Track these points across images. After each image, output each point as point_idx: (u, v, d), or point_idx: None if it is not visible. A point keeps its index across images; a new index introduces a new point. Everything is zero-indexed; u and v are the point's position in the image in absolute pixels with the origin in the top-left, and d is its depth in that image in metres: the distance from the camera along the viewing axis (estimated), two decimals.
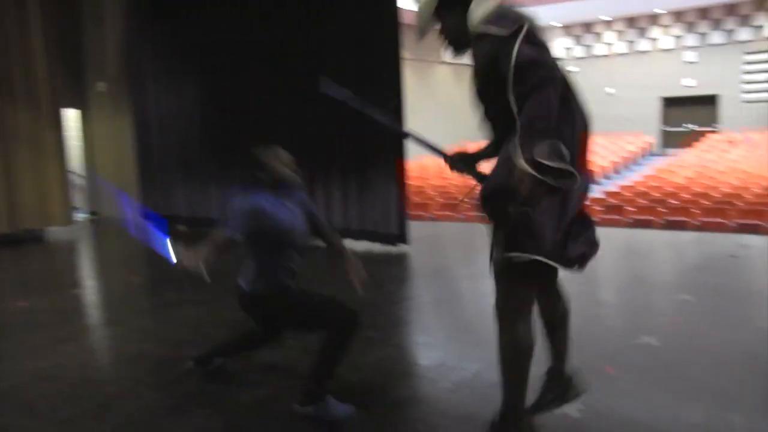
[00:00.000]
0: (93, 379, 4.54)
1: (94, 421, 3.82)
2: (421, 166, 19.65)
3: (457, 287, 6.98)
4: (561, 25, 27.77)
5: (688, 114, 26.08)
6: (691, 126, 25.96)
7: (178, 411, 3.89)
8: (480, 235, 9.08)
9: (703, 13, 25.00)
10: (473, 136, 28.41)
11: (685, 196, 14.11)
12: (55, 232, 11.36)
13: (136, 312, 6.40)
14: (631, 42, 26.84)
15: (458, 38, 3.00)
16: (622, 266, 7.70)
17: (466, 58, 3.01)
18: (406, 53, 8.76)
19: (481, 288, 6.26)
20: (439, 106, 25.38)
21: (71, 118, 13.15)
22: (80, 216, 12.84)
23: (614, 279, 6.92)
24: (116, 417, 3.85)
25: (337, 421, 3.61)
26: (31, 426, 3.80)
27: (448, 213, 13.64)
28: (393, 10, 8.33)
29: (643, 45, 26.64)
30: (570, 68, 20.75)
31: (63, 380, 4.46)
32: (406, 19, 7.49)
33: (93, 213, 13.43)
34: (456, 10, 2.92)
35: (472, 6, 2.87)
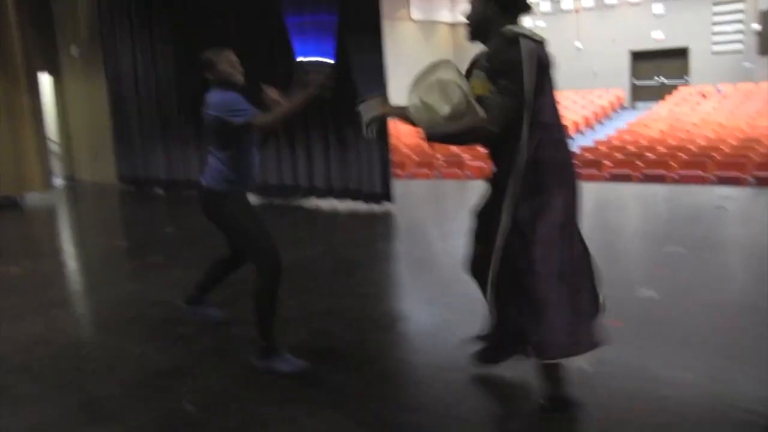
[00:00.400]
0: (90, 341, 4.56)
1: (97, 383, 3.84)
2: (394, 125, 19.60)
3: (443, 245, 7.02)
4: None
5: (658, 67, 26.19)
6: (661, 79, 26.08)
7: (179, 372, 3.92)
8: (458, 192, 9.16)
9: None
10: None
11: (662, 149, 14.24)
12: (33, 198, 11.22)
13: (125, 276, 6.38)
14: None
15: (481, 28, 3.11)
16: (607, 220, 7.78)
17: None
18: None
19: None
20: (408, 64, 25.30)
21: (45, 83, 12.90)
22: (57, 181, 12.67)
23: (602, 232, 7.00)
24: (119, 379, 3.87)
25: (289, 374, 3.74)
26: (33, 388, 3.82)
27: (425, 171, 13.66)
28: None
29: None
30: (538, 23, 20.73)
31: (59, 343, 4.49)
32: None
33: (69, 178, 13.28)
34: (491, 3, 3.03)
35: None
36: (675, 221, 7.63)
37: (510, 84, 2.89)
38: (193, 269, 6.10)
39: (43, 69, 12.29)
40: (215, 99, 3.82)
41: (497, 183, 3.10)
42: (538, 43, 2.96)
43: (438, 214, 8.91)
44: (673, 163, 12.57)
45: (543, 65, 2.95)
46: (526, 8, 3.09)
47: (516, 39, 2.91)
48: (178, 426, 3.32)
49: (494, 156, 3.16)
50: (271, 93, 3.93)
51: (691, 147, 14.20)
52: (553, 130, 3.03)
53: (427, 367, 3.84)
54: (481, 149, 3.66)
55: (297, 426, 3.23)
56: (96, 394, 3.70)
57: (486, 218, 3.21)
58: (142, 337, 4.58)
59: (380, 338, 4.35)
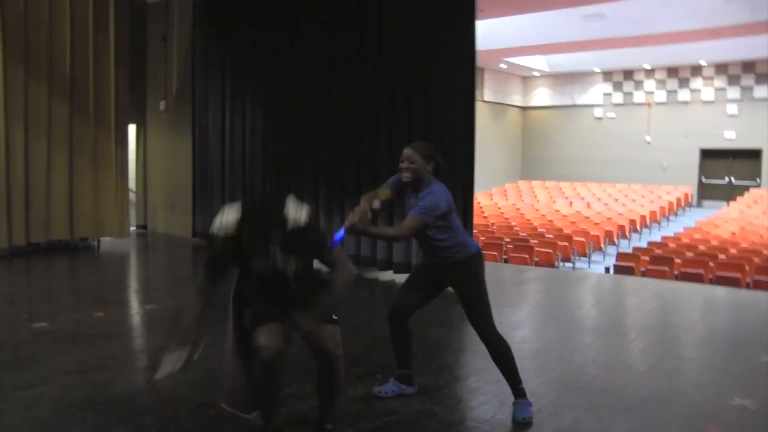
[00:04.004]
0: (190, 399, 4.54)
1: None
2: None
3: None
4: (601, 71, 27.80)
5: (729, 167, 25.86)
6: (732, 179, 25.73)
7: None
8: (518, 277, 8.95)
9: (748, 66, 24.89)
10: (533, 173, 29.06)
11: (733, 251, 13.97)
12: (108, 243, 11.51)
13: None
14: (672, 92, 26.71)
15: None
16: (691, 321, 7.56)
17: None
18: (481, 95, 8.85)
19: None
20: (478, 141, 25.64)
21: (130, 133, 13.36)
22: (132, 229, 12.98)
23: (689, 334, 6.84)
24: None
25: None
26: None
27: (493, 253, 13.60)
28: (471, 54, 8.39)
29: (683, 95, 26.51)
30: (609, 115, 21.04)
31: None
32: (481, 63, 7.57)
33: (143, 227, 13.58)
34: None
35: None
36: (763, 329, 7.32)
37: None
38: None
39: (131, 120, 12.76)
40: None
41: None
42: None
43: (502, 299, 8.80)
44: (747, 267, 12.30)
45: None
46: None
47: None
48: None
49: None
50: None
51: (765, 251, 13.88)
52: None
53: None
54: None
55: None
56: None
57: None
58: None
59: None
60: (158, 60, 13.17)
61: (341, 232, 3.90)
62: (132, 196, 13.32)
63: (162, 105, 13.10)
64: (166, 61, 12.96)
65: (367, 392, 4.59)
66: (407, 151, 4.27)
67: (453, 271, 4.29)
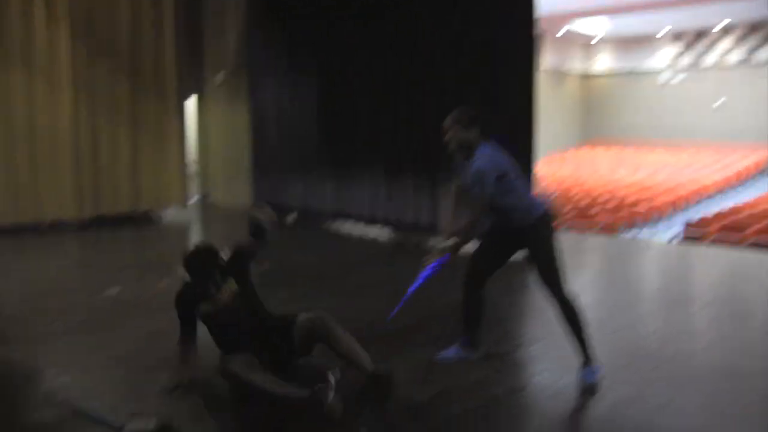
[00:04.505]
0: None
1: None
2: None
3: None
4: (669, 33, 26.84)
5: None
6: None
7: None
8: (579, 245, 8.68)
9: None
10: (594, 141, 28.42)
11: None
12: (170, 214, 11.73)
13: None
14: (750, 51, 25.52)
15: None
16: (763, 292, 7.12)
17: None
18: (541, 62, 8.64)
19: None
20: (566, 111, 25.34)
21: (189, 105, 13.53)
22: (192, 200, 13.17)
23: (762, 306, 6.56)
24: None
25: None
26: None
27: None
28: (529, 19, 8.18)
29: (763, 55, 25.21)
30: (677, 78, 20.21)
31: None
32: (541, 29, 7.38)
33: (203, 198, 13.79)
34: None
35: None
36: None
37: None
38: (345, 299, 6.30)
39: (190, 93, 12.92)
40: None
41: None
42: None
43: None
44: None
45: None
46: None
47: None
48: None
49: None
50: None
51: None
52: None
53: None
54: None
55: None
56: None
57: None
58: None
59: None
60: (215, 33, 13.24)
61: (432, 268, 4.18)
62: (192, 168, 13.52)
63: (218, 78, 13.19)
64: (223, 34, 13.04)
65: (428, 358, 4.57)
66: (445, 122, 4.20)
67: (522, 234, 4.19)
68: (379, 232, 9.87)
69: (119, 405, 3.80)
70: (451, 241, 4.16)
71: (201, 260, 4.10)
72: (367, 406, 3.83)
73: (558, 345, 4.56)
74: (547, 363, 4.58)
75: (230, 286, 4.07)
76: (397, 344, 4.94)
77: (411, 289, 4.30)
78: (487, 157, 4.10)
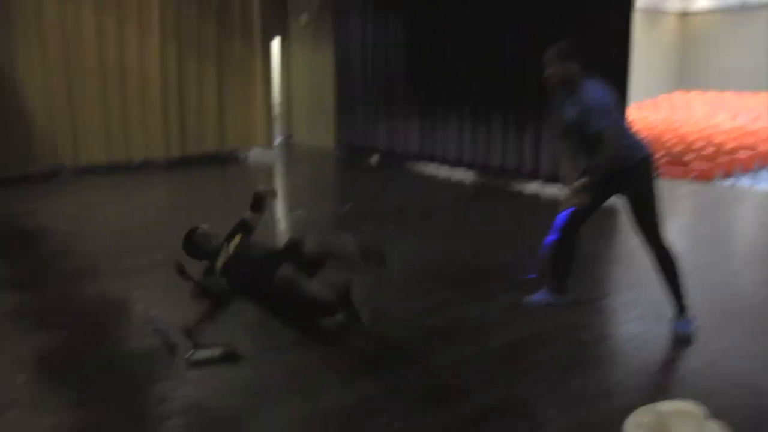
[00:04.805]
0: None
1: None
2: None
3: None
4: None
5: None
6: None
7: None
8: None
9: None
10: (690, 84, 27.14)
11: None
12: (255, 154, 11.87)
13: None
14: None
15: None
16: None
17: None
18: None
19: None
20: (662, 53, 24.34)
21: (274, 47, 13.54)
22: (277, 141, 13.29)
23: None
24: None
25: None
26: None
27: None
28: None
29: None
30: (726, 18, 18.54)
31: None
32: None
33: (287, 138, 13.89)
34: None
35: None
36: None
37: None
38: (426, 239, 6.24)
39: (275, 34, 12.91)
40: None
41: None
42: None
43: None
44: None
45: None
46: None
47: None
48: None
49: None
50: None
51: None
52: None
53: None
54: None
55: None
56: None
57: None
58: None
59: None
60: None
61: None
62: (277, 109, 13.60)
63: (303, 19, 13.11)
64: None
65: (515, 302, 4.47)
66: (544, 57, 4.00)
67: (624, 176, 3.95)
68: (464, 175, 9.72)
69: (208, 334, 3.85)
70: (578, 185, 3.95)
71: (192, 245, 4.36)
72: None
73: (651, 293, 4.38)
74: (639, 311, 4.39)
75: (235, 240, 4.27)
76: (481, 287, 4.87)
77: (547, 240, 4.20)
78: (600, 89, 3.90)
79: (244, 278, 4.03)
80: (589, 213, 4.19)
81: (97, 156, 10.27)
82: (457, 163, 9.91)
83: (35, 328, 4.13)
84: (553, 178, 8.44)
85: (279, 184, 10.25)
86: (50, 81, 9.70)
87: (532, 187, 8.75)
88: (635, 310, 4.43)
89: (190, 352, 3.58)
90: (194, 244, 4.34)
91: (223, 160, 11.40)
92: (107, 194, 9.06)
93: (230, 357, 3.62)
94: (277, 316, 4.07)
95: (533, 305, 4.38)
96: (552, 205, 8.00)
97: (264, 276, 3.98)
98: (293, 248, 4.18)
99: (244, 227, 4.40)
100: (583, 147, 4.01)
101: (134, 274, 5.16)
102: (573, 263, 4.36)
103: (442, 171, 10.07)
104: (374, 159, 11.44)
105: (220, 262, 4.16)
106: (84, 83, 9.98)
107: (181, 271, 3.97)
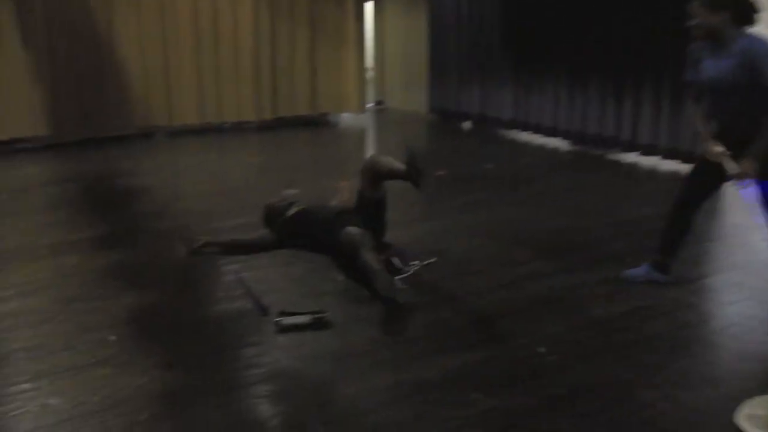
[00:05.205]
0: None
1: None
2: None
3: None
4: None
5: None
6: None
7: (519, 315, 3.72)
8: None
9: None
10: None
11: None
12: (347, 118, 11.84)
13: (455, 209, 6.29)
14: None
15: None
16: None
17: None
18: None
19: None
20: None
21: (366, 10, 13.39)
22: (369, 105, 13.21)
23: None
24: None
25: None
26: None
27: None
28: None
29: None
30: None
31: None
32: None
33: (379, 103, 13.77)
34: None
35: None
36: None
37: None
38: (520, 208, 6.08)
39: None
40: None
41: None
42: None
43: None
44: None
45: None
46: None
47: None
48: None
49: None
50: None
51: None
52: None
53: None
54: None
55: None
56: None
57: None
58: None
59: None
60: None
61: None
62: (369, 73, 13.49)
63: None
64: None
65: (611, 275, 4.26)
66: (691, 6, 3.64)
67: None
68: (559, 143, 9.40)
69: (297, 301, 3.84)
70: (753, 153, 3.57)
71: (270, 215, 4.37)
72: None
73: (757, 275, 4.10)
74: (750, 291, 4.10)
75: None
76: (575, 258, 4.68)
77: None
78: (763, 40, 3.52)
79: (305, 230, 4.09)
80: (714, 190, 3.92)
81: (191, 118, 10.47)
82: (551, 130, 9.58)
83: (127, 287, 4.21)
84: (651, 149, 8.05)
85: (370, 149, 10.20)
86: (146, 45, 9.92)
87: (631, 157, 8.37)
88: (741, 292, 4.13)
89: (280, 318, 3.55)
90: (270, 220, 4.35)
91: (315, 124, 11.41)
92: (200, 156, 9.22)
93: (319, 324, 3.58)
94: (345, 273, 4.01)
95: (632, 280, 4.16)
96: (651, 176, 7.72)
97: (329, 232, 3.93)
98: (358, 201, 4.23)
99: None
100: (742, 106, 3.63)
101: (225, 234, 5.18)
102: (683, 243, 4.08)
103: (535, 138, 9.78)
104: (467, 125, 11.23)
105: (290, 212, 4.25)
106: (178, 47, 10.16)
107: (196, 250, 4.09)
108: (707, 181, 3.87)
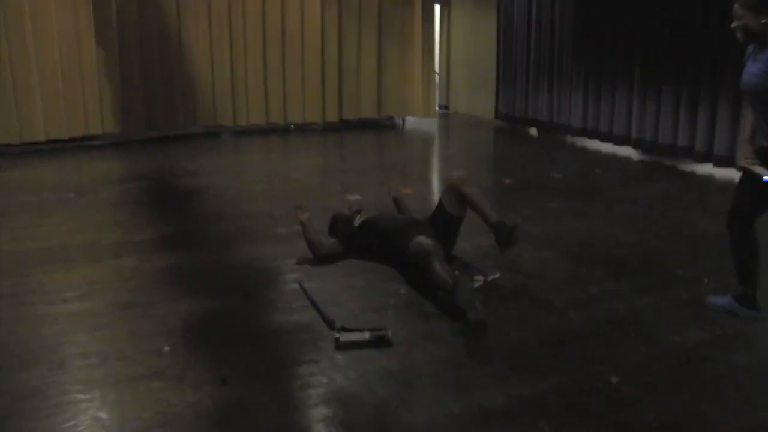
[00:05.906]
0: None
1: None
2: None
3: None
4: None
5: None
6: None
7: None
8: None
9: None
10: None
11: None
12: (412, 122, 11.69)
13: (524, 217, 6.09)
14: None
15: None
16: None
17: None
18: None
19: None
20: None
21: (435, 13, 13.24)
22: (435, 108, 13.06)
23: None
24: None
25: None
26: None
27: None
28: None
29: None
30: None
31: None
32: None
33: (445, 107, 13.59)
34: None
35: None
36: None
37: None
38: (591, 220, 5.84)
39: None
40: None
41: None
42: None
43: None
44: None
45: None
46: None
47: None
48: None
49: None
50: None
51: None
52: None
53: None
54: None
55: None
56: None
57: None
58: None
59: None
60: None
61: None
62: (436, 77, 13.34)
63: None
64: None
65: (690, 298, 4.00)
66: (734, 8, 3.46)
67: None
68: (630, 152, 9.05)
69: (358, 315, 3.72)
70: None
71: (337, 224, 4.75)
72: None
73: None
74: None
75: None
76: (651, 277, 4.44)
77: None
78: None
79: (373, 239, 4.30)
80: (765, 208, 3.63)
81: (256, 118, 10.49)
82: (622, 139, 9.23)
83: (184, 293, 4.12)
84: (726, 161, 7.66)
85: (436, 154, 10.04)
86: (214, 46, 9.98)
87: (705, 168, 7.99)
88: None
89: (339, 334, 3.42)
90: (337, 229, 4.70)
91: (380, 127, 11.30)
92: (264, 156, 9.21)
93: (380, 342, 3.42)
94: (411, 284, 4.08)
95: (713, 307, 3.87)
96: (725, 189, 7.31)
97: (398, 242, 4.10)
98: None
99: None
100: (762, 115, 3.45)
101: (287, 240, 5.09)
102: (758, 266, 3.74)
103: (605, 147, 9.45)
104: (535, 131, 10.97)
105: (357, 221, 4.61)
106: (245, 47, 10.19)
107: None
108: (754, 190, 3.59)
